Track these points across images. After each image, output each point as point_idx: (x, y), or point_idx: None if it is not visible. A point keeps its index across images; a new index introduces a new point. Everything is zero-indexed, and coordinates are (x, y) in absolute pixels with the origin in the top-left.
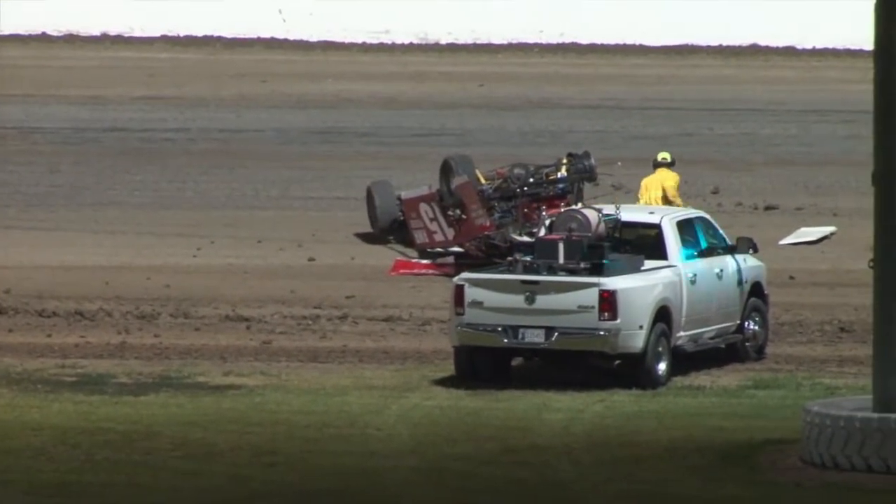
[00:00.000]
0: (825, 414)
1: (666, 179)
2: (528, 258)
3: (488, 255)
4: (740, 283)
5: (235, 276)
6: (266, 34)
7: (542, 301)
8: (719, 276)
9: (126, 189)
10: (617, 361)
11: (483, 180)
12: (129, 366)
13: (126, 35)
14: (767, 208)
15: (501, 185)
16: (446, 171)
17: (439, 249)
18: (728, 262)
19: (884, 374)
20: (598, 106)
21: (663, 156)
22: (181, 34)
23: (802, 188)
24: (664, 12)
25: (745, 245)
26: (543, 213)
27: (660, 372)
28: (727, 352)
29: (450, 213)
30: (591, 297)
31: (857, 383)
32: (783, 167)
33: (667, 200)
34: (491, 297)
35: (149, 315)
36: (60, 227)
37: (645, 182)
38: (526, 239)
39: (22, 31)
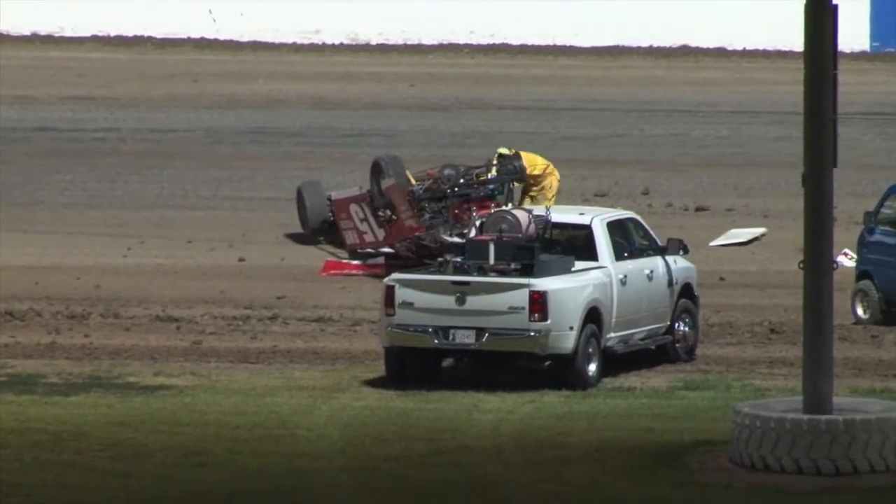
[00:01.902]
0: (755, 415)
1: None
2: (458, 259)
3: (419, 256)
4: (671, 284)
5: (165, 276)
6: (196, 34)
7: (473, 302)
8: (650, 278)
9: (55, 189)
10: (547, 362)
11: (413, 181)
12: (59, 366)
13: (56, 35)
14: (698, 209)
15: (432, 185)
16: (376, 171)
17: (370, 250)
18: (658, 264)
19: (814, 376)
20: (529, 107)
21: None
22: (111, 34)
23: (733, 189)
24: (594, 13)
25: (676, 246)
26: (474, 214)
27: (590, 373)
28: (657, 353)
29: (380, 213)
30: (521, 298)
31: (787, 385)
32: (714, 168)
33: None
34: (421, 297)
35: (79, 315)
36: None
37: (537, 164)
38: (456, 240)
39: None
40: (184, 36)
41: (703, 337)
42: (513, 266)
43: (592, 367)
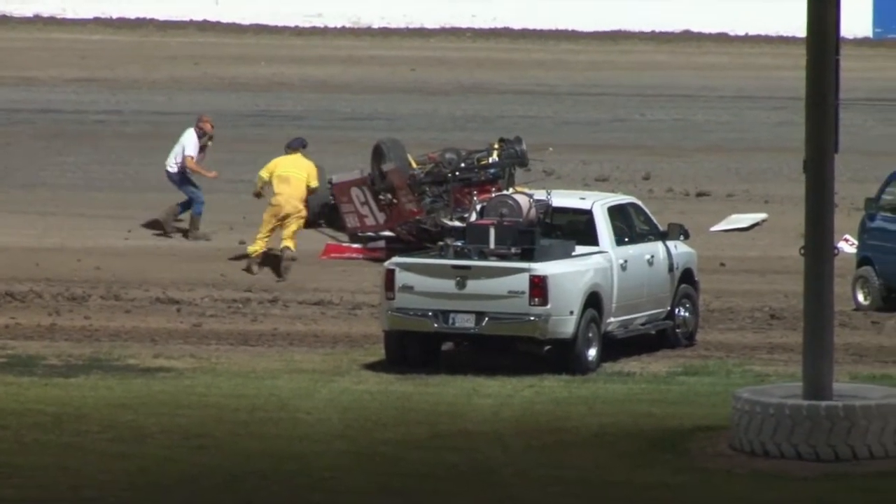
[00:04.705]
0: (755, 401)
1: (310, 167)
2: (459, 243)
3: (419, 240)
4: (671, 269)
5: (166, 258)
6: (199, 17)
7: (473, 286)
8: (650, 263)
9: (57, 170)
10: (547, 347)
11: (415, 165)
12: (60, 347)
13: (59, 17)
14: (699, 195)
15: (433, 169)
16: (378, 155)
17: (370, 234)
18: (659, 249)
19: (814, 362)
20: (530, 91)
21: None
22: (114, 16)
23: (734, 175)
24: None
25: (676, 231)
26: (475, 199)
27: (590, 358)
28: (657, 338)
29: (381, 197)
30: (521, 282)
31: (787, 370)
32: (715, 154)
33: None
34: (422, 281)
35: (79, 297)
36: None
37: (280, 163)
38: (457, 224)
39: None
40: (186, 18)
41: (704, 322)
42: (513, 250)
43: (592, 352)
